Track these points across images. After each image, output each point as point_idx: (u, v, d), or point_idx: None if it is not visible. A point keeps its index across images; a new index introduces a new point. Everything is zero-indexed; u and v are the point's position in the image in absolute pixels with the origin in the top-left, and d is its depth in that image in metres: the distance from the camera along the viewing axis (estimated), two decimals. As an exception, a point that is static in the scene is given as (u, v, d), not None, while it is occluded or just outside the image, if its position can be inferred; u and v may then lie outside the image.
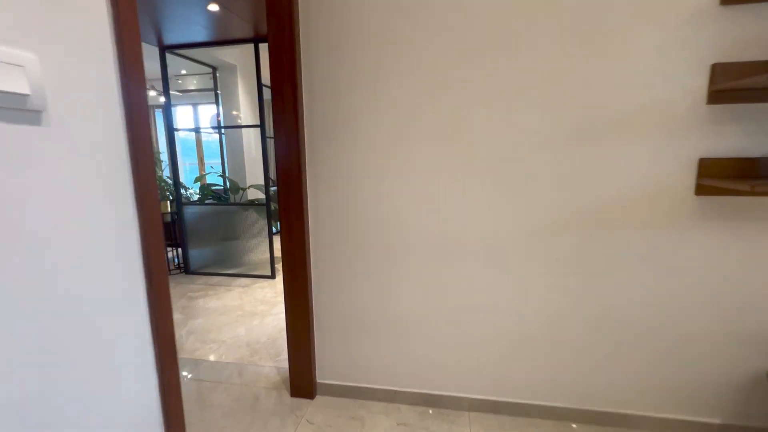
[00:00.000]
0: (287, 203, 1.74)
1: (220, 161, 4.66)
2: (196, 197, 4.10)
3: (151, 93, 5.16)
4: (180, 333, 2.59)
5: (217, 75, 4.42)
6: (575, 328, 1.62)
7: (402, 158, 1.64)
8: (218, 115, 4.52)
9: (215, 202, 4.03)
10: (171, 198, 3.90)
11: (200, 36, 3.47)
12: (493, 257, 1.63)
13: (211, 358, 2.26)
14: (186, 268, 3.84)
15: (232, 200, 4.06)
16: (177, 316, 2.86)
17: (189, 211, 3.78)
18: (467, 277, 1.67)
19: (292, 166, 1.70)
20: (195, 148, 6.85)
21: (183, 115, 7.21)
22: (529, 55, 1.45)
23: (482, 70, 1.50)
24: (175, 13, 3.00)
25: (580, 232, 1.54)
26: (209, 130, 5.80)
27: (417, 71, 1.55)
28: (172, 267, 3.99)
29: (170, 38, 3.51)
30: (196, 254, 3.86)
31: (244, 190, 4.08)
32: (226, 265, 3.89)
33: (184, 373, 2.09)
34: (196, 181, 4.17)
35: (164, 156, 6.37)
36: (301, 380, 1.89)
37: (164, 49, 3.60)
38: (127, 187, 0.83)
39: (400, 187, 1.66)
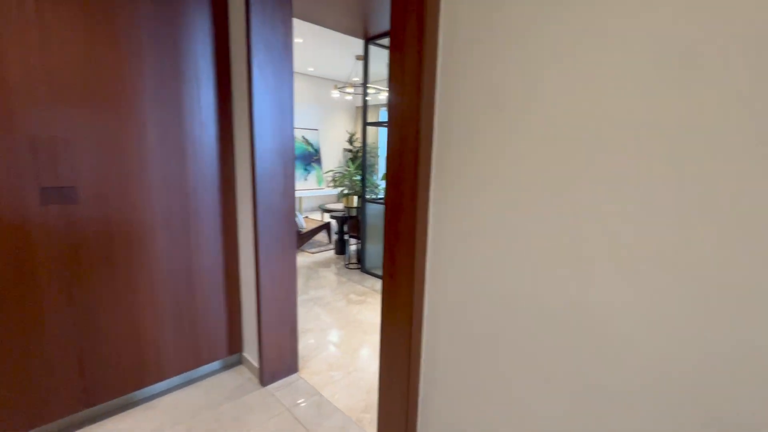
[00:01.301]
0: (394, 227, 1.07)
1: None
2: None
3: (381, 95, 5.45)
4: (317, 343, 2.38)
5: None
6: None
7: (635, 171, 0.67)
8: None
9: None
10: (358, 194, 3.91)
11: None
12: None
13: (324, 393, 1.89)
14: (362, 266, 3.76)
15: (414, 201, 3.68)
16: (327, 320, 2.70)
17: (371, 208, 3.66)
18: None
19: (403, 167, 1.01)
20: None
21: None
22: None
23: None
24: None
25: None
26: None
27: None
28: (353, 261, 4.02)
29: (374, 28, 3.37)
30: (372, 253, 3.71)
31: (427, 191, 3.62)
32: (396, 271, 3.56)
33: (286, 403, 1.79)
34: (383, 178, 4.03)
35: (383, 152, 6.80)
36: (389, 503, 1.21)
37: (369, 40, 3.52)
38: None
39: (621, 237, 0.70)
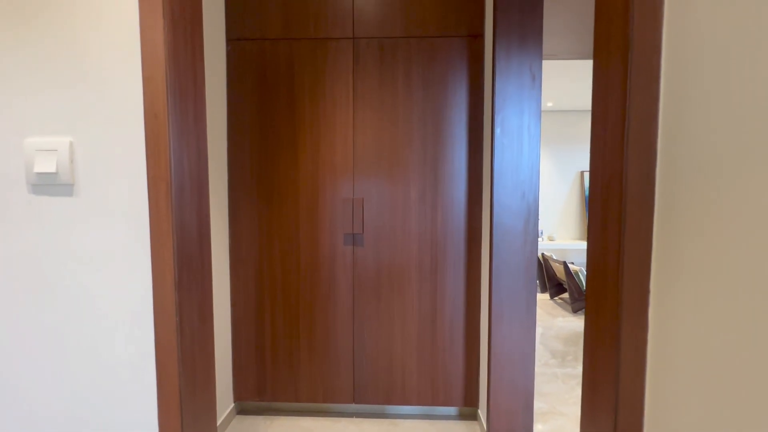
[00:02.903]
0: (594, 323, 0.78)
1: None
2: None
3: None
4: (569, 434, 1.94)
5: None
6: None
7: None
8: None
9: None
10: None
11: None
12: None
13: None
14: (666, 353, 2.75)
15: None
16: (590, 410, 2.15)
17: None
18: None
19: (605, 236, 0.74)
20: None
21: None
22: None
23: None
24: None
25: None
26: None
27: None
28: (653, 342, 3.00)
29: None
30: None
31: None
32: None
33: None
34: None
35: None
36: None
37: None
38: (145, 251, 0.77)
39: None
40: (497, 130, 1.70)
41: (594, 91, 0.78)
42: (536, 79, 1.70)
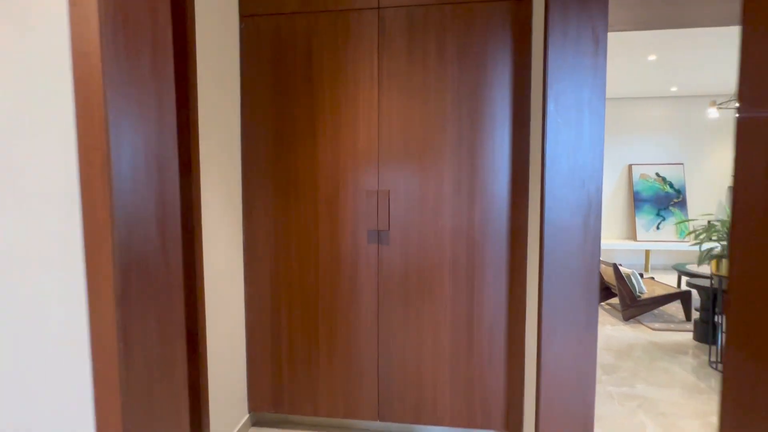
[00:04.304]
0: (738, 333, 0.51)
1: None
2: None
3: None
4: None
5: None
6: None
7: None
8: None
9: None
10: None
11: None
12: None
13: None
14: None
15: None
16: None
17: None
18: None
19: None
20: None
21: None
22: None
23: None
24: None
25: None
26: None
27: None
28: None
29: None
30: None
31: None
32: None
33: None
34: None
35: None
36: None
37: None
38: (76, 248, 0.55)
39: None
40: (550, 107, 1.42)
41: (741, 68, 0.51)
42: (600, 44, 1.40)
